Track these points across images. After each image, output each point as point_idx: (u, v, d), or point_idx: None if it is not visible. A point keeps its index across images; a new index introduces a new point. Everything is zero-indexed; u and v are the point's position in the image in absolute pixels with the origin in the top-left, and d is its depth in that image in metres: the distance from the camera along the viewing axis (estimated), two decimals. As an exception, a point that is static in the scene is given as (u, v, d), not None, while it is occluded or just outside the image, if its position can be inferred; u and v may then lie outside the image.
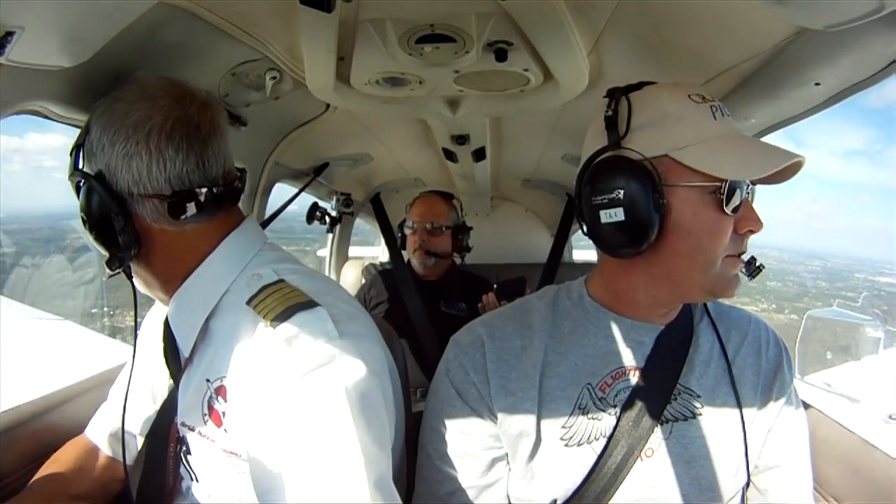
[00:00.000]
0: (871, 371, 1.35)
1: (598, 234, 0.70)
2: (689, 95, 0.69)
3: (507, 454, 0.76)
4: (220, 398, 0.70)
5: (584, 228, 0.72)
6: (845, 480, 1.02)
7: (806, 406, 0.91)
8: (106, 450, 0.91)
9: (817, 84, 0.84)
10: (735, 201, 0.66)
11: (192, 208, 0.71)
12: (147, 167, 0.70)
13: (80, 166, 0.73)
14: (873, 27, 0.63)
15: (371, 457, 0.61)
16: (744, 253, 0.70)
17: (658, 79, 0.74)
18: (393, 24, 0.87)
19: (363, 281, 2.57)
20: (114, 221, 0.69)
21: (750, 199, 0.69)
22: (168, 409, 0.78)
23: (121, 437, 0.84)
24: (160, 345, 0.80)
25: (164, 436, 0.77)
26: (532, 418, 0.73)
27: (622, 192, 0.66)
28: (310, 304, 0.68)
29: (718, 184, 0.65)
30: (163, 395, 0.85)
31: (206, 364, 0.72)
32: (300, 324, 0.66)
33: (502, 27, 0.86)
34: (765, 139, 1.10)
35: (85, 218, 0.71)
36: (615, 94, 0.71)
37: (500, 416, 0.74)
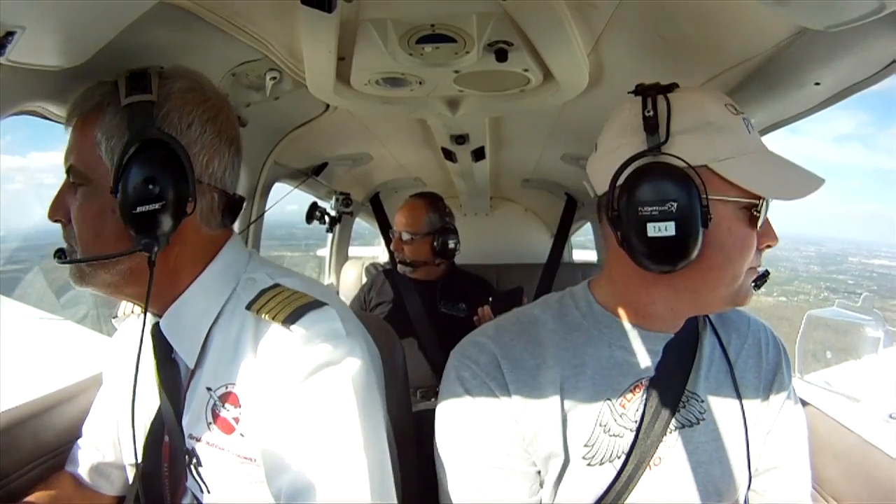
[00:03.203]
0: (871, 370, 1.35)
1: (637, 246, 0.65)
2: (725, 104, 0.67)
3: (539, 471, 0.72)
4: (226, 405, 0.69)
5: (619, 237, 0.67)
6: (845, 480, 1.02)
7: (805, 405, 0.91)
8: (89, 484, 0.87)
9: (817, 84, 0.84)
10: (762, 219, 0.67)
11: (226, 212, 0.75)
12: (220, 160, 0.72)
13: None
14: (873, 27, 0.63)
15: (373, 455, 0.63)
16: (759, 265, 0.71)
17: (658, 79, 0.74)
18: (393, 24, 0.87)
19: (364, 280, 2.57)
20: (170, 198, 0.65)
21: None
22: (156, 429, 0.75)
23: (121, 458, 0.81)
24: (148, 361, 0.77)
25: (156, 457, 0.74)
26: (559, 439, 0.70)
27: (675, 204, 0.61)
28: (318, 304, 0.69)
29: (756, 201, 0.65)
30: (149, 416, 0.78)
31: (207, 374, 0.71)
32: (313, 323, 0.67)
33: (502, 27, 0.86)
34: (764, 138, 1.10)
35: (142, 183, 0.65)
36: (649, 93, 0.67)
37: (528, 437, 0.71)
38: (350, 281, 2.83)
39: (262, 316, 0.68)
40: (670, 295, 0.71)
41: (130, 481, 0.80)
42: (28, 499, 0.81)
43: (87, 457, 0.87)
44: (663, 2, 0.79)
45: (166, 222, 0.66)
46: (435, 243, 1.94)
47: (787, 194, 0.67)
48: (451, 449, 0.74)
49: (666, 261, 0.65)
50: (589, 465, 0.71)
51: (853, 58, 0.75)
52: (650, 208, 0.63)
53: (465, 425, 0.73)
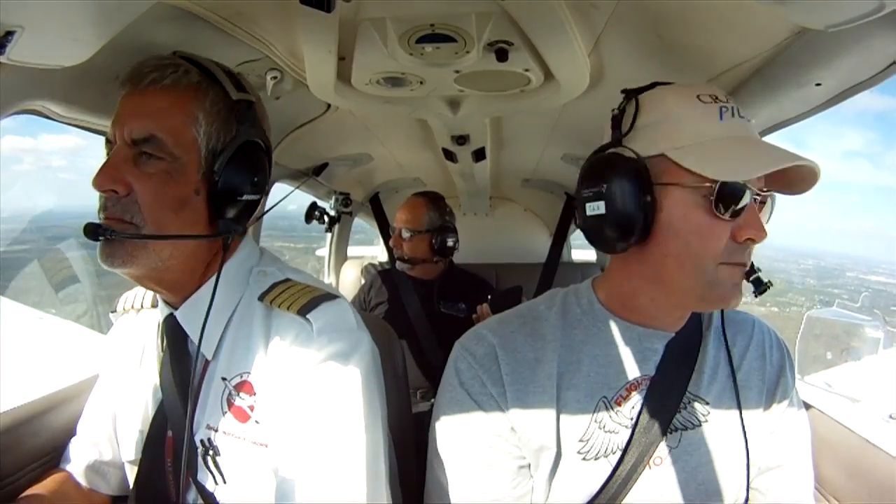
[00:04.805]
0: (872, 371, 1.35)
1: (584, 227, 0.72)
2: (698, 95, 0.68)
3: (530, 464, 0.73)
4: (241, 394, 0.70)
5: (577, 221, 0.75)
6: (845, 480, 1.02)
7: (806, 406, 0.91)
8: (85, 483, 0.86)
9: (818, 84, 0.84)
10: (731, 206, 0.64)
11: None
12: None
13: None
14: (873, 27, 0.63)
15: (370, 453, 0.66)
16: (744, 263, 0.67)
17: (659, 79, 0.74)
18: (393, 24, 0.87)
19: (363, 281, 2.57)
20: (261, 193, 0.73)
21: (766, 206, 0.68)
22: (158, 424, 0.75)
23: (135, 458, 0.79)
24: (154, 355, 0.78)
25: (158, 452, 0.74)
26: (552, 432, 0.71)
27: (606, 186, 0.67)
28: (331, 296, 0.72)
29: (710, 185, 0.64)
30: (148, 410, 0.78)
31: (222, 364, 0.72)
32: (327, 312, 0.70)
33: (502, 27, 0.86)
34: (765, 139, 1.10)
35: (246, 176, 0.72)
36: (628, 95, 0.72)
37: (519, 429, 0.71)
38: (349, 281, 2.83)
39: (276, 307, 0.71)
40: (646, 285, 0.72)
41: (132, 478, 0.79)
42: (24, 495, 0.80)
43: (83, 455, 0.87)
44: (663, 2, 0.79)
45: (249, 214, 0.73)
46: (434, 241, 1.95)
47: (733, 175, 0.64)
48: (438, 436, 0.76)
49: (602, 238, 0.70)
50: (584, 459, 0.71)
51: (853, 58, 0.75)
52: (589, 190, 0.69)
53: (452, 415, 0.74)
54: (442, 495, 0.75)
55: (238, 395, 0.70)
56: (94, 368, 1.03)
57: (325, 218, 2.36)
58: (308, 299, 0.70)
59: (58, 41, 0.65)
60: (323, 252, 3.02)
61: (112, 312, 0.91)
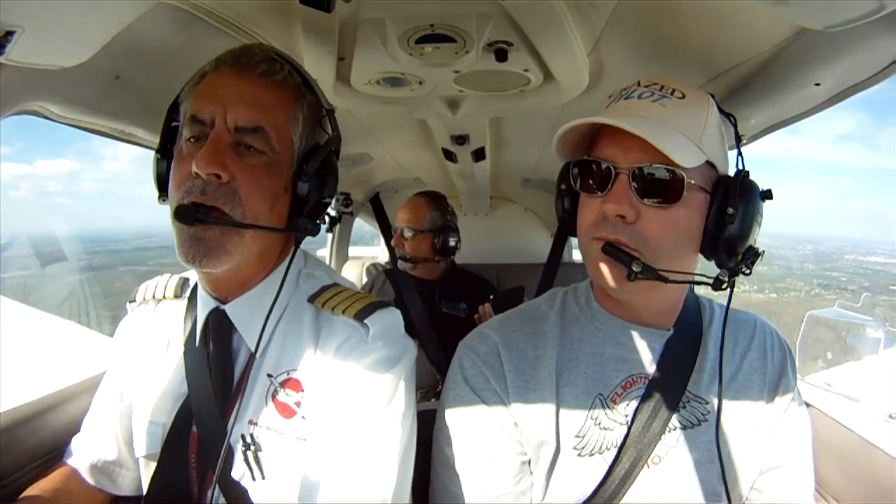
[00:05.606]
0: (872, 370, 1.35)
1: None
2: (610, 95, 0.73)
3: (530, 460, 0.75)
4: (287, 390, 0.71)
5: None
6: (845, 480, 1.02)
7: (806, 406, 0.91)
8: (89, 481, 0.84)
9: (817, 84, 0.84)
10: (580, 180, 0.73)
11: None
12: None
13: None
14: (873, 27, 0.63)
15: (404, 454, 0.68)
16: (602, 238, 0.68)
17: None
18: (393, 24, 0.87)
19: (364, 280, 2.57)
20: (323, 195, 0.74)
21: (642, 183, 0.66)
22: (182, 419, 0.74)
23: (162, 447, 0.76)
24: (180, 348, 0.77)
25: (181, 448, 0.73)
26: (552, 427, 0.72)
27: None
28: (385, 304, 0.75)
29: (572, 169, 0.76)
30: (171, 405, 0.76)
31: (269, 361, 0.73)
32: (383, 319, 0.72)
33: (502, 27, 0.86)
34: (764, 138, 1.10)
35: (329, 180, 0.75)
36: None
37: (521, 424, 0.73)
38: (350, 281, 2.83)
39: (327, 309, 0.73)
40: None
41: (148, 474, 0.77)
42: (28, 493, 0.79)
43: (87, 453, 0.85)
44: (663, 2, 0.79)
45: (321, 216, 0.75)
46: (436, 240, 1.95)
47: (556, 145, 0.75)
48: (443, 434, 0.77)
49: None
50: (580, 455, 0.72)
51: (853, 58, 0.75)
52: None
53: (457, 412, 0.76)
54: (446, 492, 0.76)
55: (284, 391, 0.71)
56: (96, 368, 1.03)
57: (326, 218, 2.36)
58: (364, 305, 0.72)
59: (58, 41, 0.65)
60: (323, 252, 3.03)
61: (130, 302, 0.89)
